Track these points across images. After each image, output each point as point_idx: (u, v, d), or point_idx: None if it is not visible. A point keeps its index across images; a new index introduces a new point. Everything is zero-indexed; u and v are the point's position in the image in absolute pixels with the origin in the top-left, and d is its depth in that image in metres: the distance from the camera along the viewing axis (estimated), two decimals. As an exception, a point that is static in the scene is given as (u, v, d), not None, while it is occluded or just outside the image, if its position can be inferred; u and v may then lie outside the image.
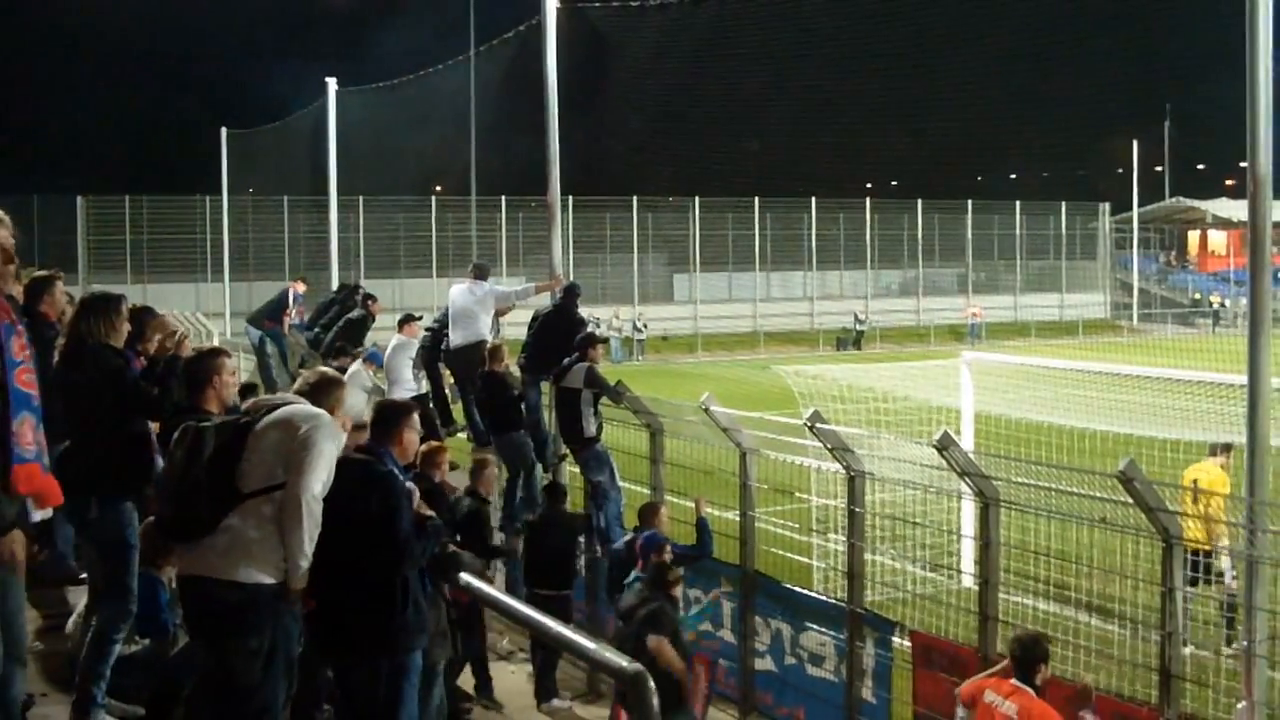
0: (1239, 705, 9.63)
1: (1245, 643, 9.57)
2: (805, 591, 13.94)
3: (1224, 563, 14.53)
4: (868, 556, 12.92)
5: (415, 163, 61.86)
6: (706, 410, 13.96)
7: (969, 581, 13.79)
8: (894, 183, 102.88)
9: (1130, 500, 9.83)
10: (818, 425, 12.68)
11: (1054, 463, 15.18)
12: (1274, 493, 15.08)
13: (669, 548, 12.45)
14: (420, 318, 20.20)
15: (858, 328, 64.08)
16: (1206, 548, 13.45)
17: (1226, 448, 16.14)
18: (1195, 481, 15.42)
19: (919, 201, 78.04)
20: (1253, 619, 9.47)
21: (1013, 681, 9.32)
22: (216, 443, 7.38)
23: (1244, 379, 9.74)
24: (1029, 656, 9.36)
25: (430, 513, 8.29)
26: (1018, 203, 79.88)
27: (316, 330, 22.70)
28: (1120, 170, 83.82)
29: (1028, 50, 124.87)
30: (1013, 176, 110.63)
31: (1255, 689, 9.42)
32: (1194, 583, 14.15)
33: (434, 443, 12.22)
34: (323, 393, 7.88)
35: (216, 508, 7.26)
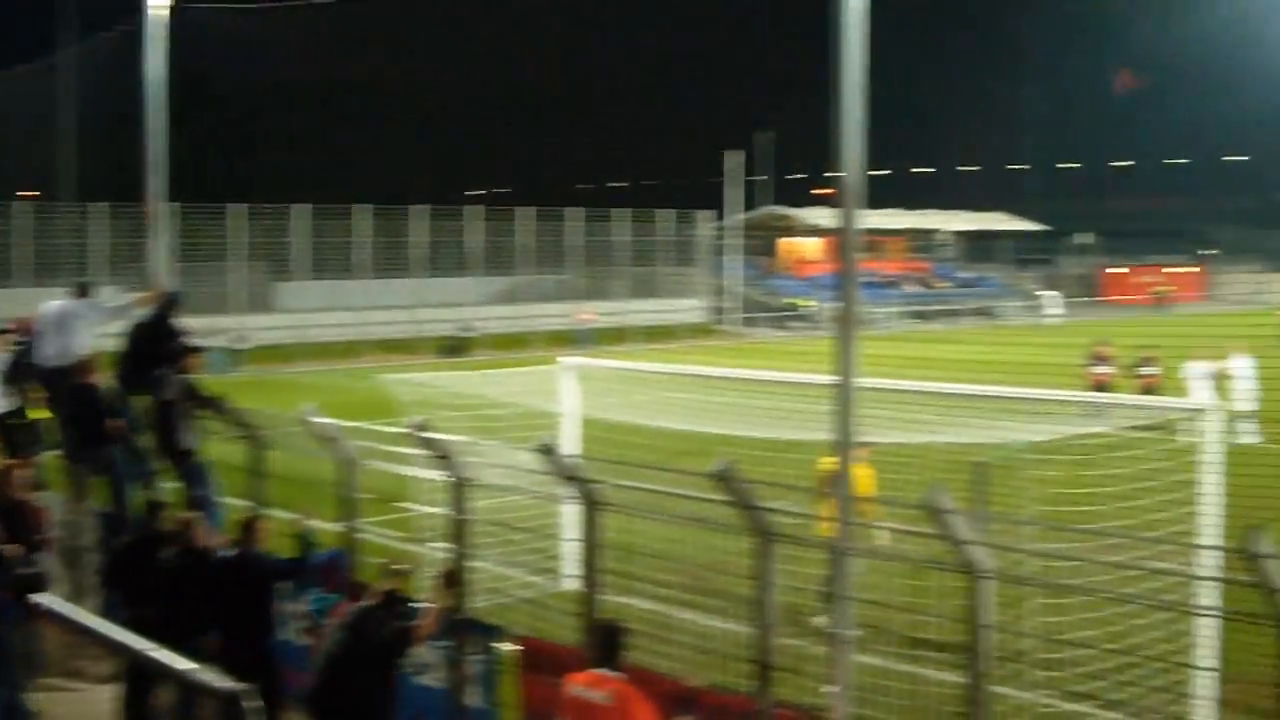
0: (826, 689, 9.98)
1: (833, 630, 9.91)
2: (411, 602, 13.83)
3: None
4: (473, 563, 12.87)
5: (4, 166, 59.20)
6: (308, 421, 13.72)
7: (575, 584, 13.90)
8: (503, 190, 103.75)
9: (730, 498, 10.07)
10: (422, 433, 12.61)
11: (660, 464, 15.46)
12: (886, 487, 15.86)
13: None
14: (6, 331, 19.19)
15: (464, 334, 64.12)
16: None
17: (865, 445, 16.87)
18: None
19: (522, 208, 78.69)
20: (839, 607, 9.82)
21: (598, 671, 9.41)
22: None
23: (834, 379, 10.07)
24: (611, 643, 9.49)
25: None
26: (628, 210, 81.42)
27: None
28: (720, 179, 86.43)
29: (633, 62, 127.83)
30: (617, 184, 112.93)
31: (843, 674, 9.78)
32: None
33: (13, 461, 11.61)
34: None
35: None
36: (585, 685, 9.49)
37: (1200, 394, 30.84)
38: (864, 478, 16.59)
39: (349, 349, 61.18)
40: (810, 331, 71.42)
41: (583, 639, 11.42)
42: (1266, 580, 8.06)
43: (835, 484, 10.30)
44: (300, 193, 72.57)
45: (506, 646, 12.31)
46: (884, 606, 13.36)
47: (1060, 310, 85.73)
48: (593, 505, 11.45)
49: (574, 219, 79.89)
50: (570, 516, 14.53)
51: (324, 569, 13.36)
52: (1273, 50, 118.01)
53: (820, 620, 12.57)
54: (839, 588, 9.92)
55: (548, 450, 11.45)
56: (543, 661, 12.00)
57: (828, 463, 16.43)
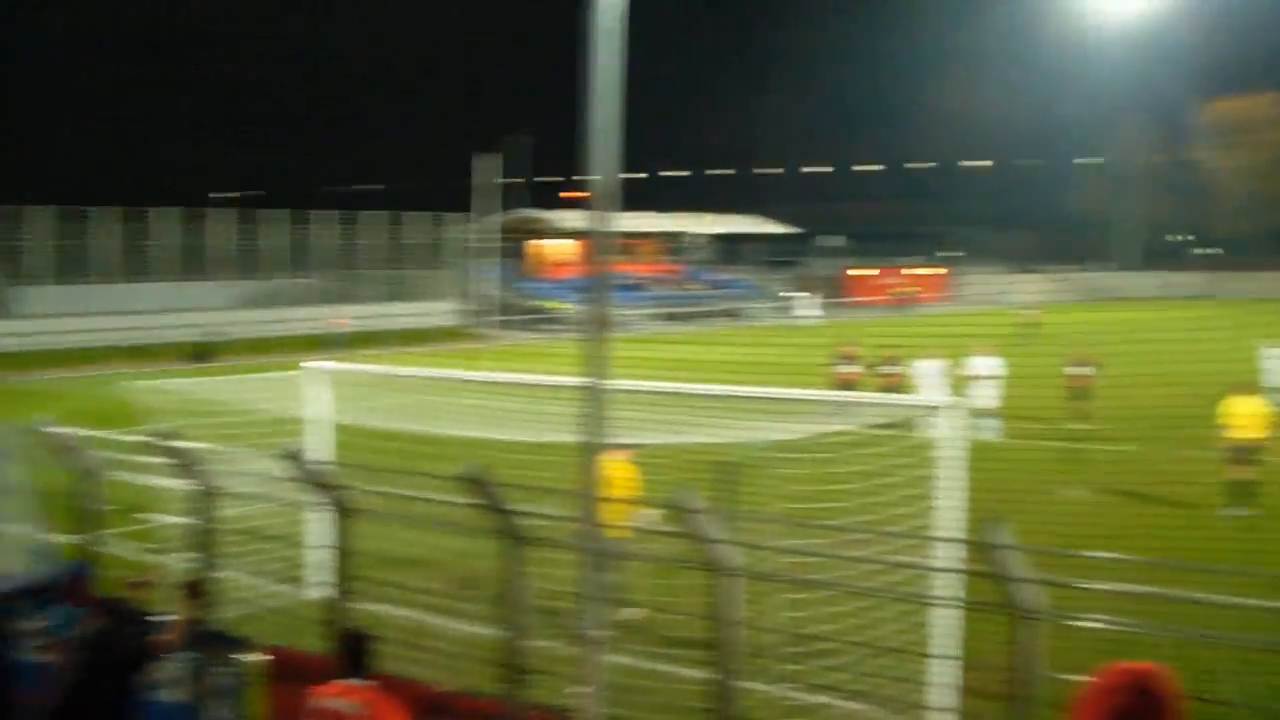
0: (573, 690, 10.01)
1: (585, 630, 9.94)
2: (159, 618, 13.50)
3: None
4: (219, 573, 12.61)
5: None
6: (43, 431, 13.31)
7: (326, 592, 13.73)
8: (253, 193, 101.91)
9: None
10: (166, 441, 12.32)
11: (413, 469, 15.34)
12: (646, 487, 15.93)
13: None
14: None
15: (211, 340, 62.82)
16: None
17: (628, 447, 17.12)
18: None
19: (273, 211, 77.47)
20: (592, 608, 9.85)
21: (347, 681, 9.29)
22: None
23: (586, 380, 10.09)
24: (359, 652, 9.37)
25: None
26: (381, 213, 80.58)
27: None
28: (475, 181, 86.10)
29: (387, 64, 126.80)
30: (369, 187, 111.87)
31: (594, 674, 9.81)
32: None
33: None
34: None
35: None
36: (334, 696, 9.36)
37: (930, 392, 31.84)
38: (627, 478, 16.82)
39: (92, 355, 59.44)
40: (562, 333, 71.60)
41: (331, 648, 11.27)
42: (1000, 571, 8.31)
43: (600, 485, 10.31)
44: (40, 194, 70.40)
45: (253, 657, 12.07)
46: (637, 606, 13.46)
47: (812, 311, 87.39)
48: (342, 511, 11.31)
49: (326, 222, 78.92)
50: (318, 523, 14.34)
51: (64, 583, 12.94)
52: (1012, 60, 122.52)
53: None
54: (591, 589, 9.94)
55: (294, 456, 11.28)
56: (292, 672, 11.81)
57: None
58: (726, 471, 13.58)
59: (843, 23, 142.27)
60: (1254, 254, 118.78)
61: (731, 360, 40.03)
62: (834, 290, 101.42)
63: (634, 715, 12.40)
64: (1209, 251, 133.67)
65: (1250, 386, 26.84)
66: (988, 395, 33.75)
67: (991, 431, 32.46)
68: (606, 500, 11.04)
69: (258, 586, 16.07)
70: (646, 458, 17.77)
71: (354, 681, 9.34)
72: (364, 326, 69.95)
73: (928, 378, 34.52)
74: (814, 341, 44.97)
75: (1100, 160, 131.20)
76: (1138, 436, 31.00)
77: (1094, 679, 4.50)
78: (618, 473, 16.86)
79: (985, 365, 34.71)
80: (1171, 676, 4.55)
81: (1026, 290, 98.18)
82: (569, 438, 16.51)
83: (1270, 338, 39.28)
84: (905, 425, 16.20)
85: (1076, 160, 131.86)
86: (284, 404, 19.55)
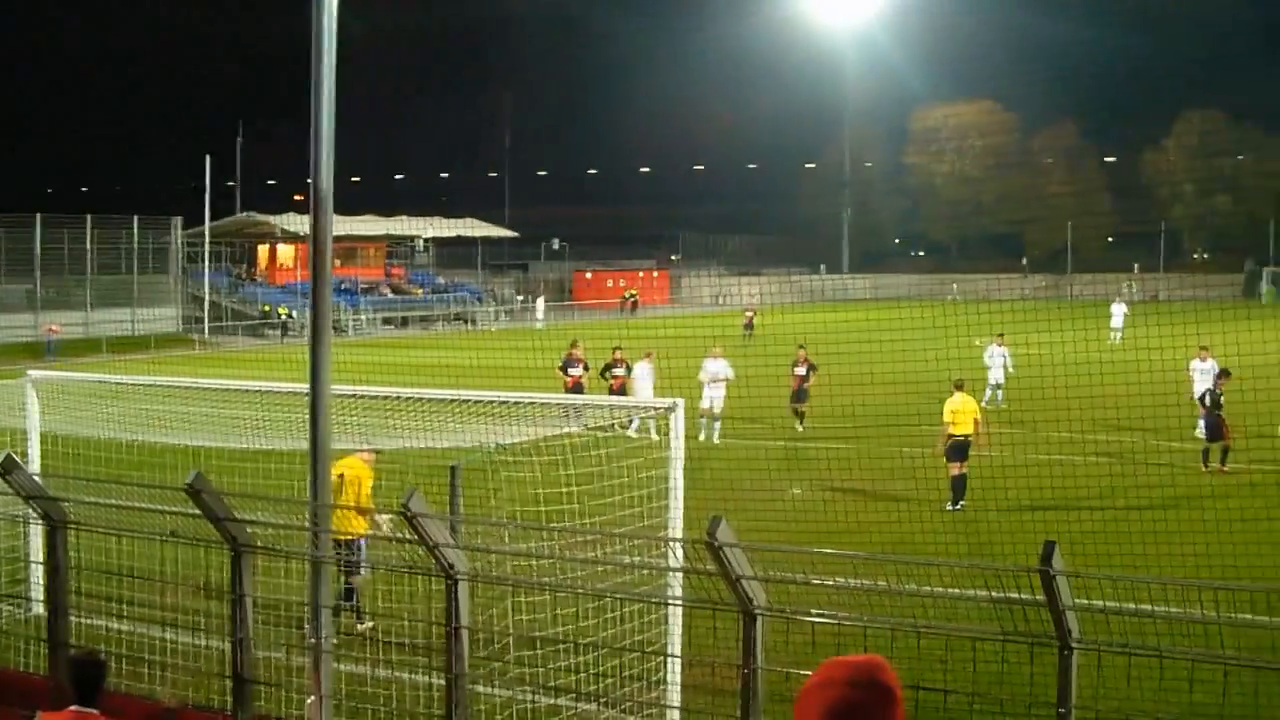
0: (309, 700, 9.88)
1: (312, 640, 9.82)
2: None
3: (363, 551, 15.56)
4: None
5: None
6: None
7: (40, 609, 13.29)
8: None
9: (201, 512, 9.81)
10: None
11: (130, 479, 14.92)
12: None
13: None
14: None
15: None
16: (347, 537, 14.75)
17: (360, 452, 17.06)
18: (342, 476, 16.14)
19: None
20: (318, 617, 9.75)
21: (74, 709, 8.94)
22: None
23: (310, 386, 9.98)
24: (89, 676, 9.02)
25: None
26: (88, 216, 77.81)
27: None
28: (194, 184, 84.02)
29: (106, 64, 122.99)
30: (86, 189, 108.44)
31: (323, 683, 9.70)
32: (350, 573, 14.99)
33: None
34: None
35: None
36: (59, 725, 8.98)
37: (643, 393, 32.32)
38: (361, 483, 16.74)
39: None
40: (286, 339, 70.50)
41: (55, 673, 10.91)
42: (726, 569, 8.46)
43: (327, 492, 10.19)
44: None
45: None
46: (372, 612, 13.29)
47: (539, 315, 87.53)
48: (55, 525, 10.95)
49: (39, 225, 76.05)
50: (38, 538, 13.87)
51: None
52: (740, 67, 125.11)
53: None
54: (317, 597, 9.83)
55: (8, 468, 10.87)
56: (8, 691, 11.41)
57: (339, 468, 16.45)
58: (456, 476, 13.53)
59: (565, 25, 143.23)
60: (969, 256, 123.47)
61: (458, 364, 39.87)
62: (560, 293, 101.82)
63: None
64: (927, 254, 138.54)
65: (966, 384, 27.73)
66: (712, 396, 34.24)
67: (716, 432, 33.02)
68: (335, 507, 10.91)
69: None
70: (379, 463, 17.65)
71: (85, 709, 8.98)
72: (79, 334, 67.67)
73: (649, 380, 34.91)
74: (540, 345, 44.99)
75: (824, 165, 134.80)
76: (861, 435, 31.70)
77: (818, 673, 4.60)
78: (351, 477, 16.80)
79: (709, 367, 35.14)
80: (894, 668, 4.69)
81: (749, 292, 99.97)
82: (296, 444, 16.34)
83: (989, 336, 40.75)
84: (633, 427, 16.39)
85: (803, 165, 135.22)
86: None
